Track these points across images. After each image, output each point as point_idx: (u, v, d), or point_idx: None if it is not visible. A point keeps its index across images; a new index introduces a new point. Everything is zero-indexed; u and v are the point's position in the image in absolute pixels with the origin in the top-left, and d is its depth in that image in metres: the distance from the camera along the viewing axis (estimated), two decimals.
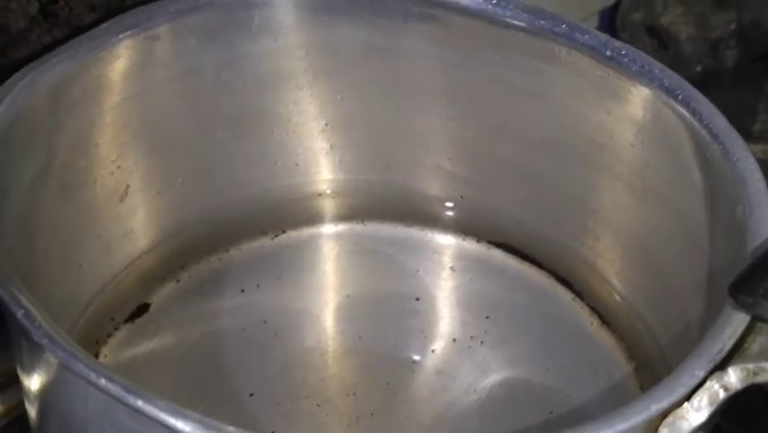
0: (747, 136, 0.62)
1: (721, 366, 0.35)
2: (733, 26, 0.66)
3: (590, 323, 0.50)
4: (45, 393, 0.38)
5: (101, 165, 0.47)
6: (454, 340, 0.50)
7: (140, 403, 0.33)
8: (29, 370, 0.38)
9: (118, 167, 0.48)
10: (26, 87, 0.42)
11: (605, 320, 0.50)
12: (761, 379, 0.35)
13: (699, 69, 0.66)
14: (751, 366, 0.35)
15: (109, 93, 0.46)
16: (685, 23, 0.67)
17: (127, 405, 0.33)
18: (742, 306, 0.35)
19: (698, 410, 0.35)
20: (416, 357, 0.49)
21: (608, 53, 0.46)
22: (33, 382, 0.38)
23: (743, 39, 0.66)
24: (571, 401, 0.47)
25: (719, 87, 0.65)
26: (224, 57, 0.49)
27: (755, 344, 0.36)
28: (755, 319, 0.35)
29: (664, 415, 0.35)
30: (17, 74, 0.43)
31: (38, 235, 0.43)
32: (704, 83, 0.66)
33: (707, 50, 0.67)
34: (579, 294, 0.51)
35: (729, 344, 0.35)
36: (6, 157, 0.41)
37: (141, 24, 0.46)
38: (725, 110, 0.60)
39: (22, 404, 0.42)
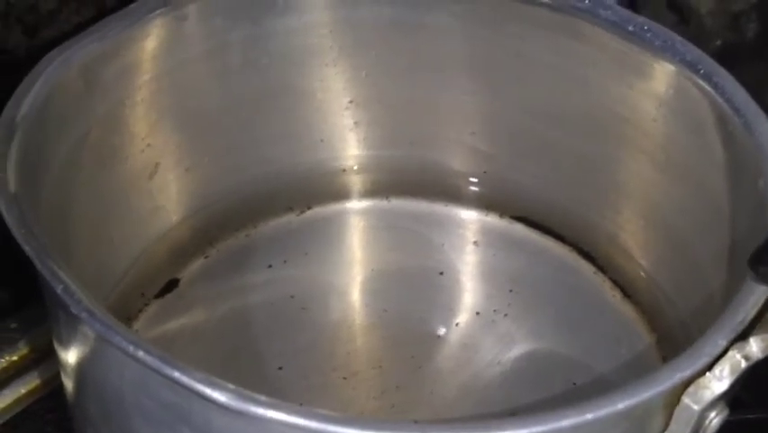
0: (766, 110, 0.63)
1: (743, 336, 0.36)
2: (754, 0, 0.66)
3: (612, 295, 0.50)
4: (82, 366, 0.39)
5: (132, 142, 0.48)
6: (478, 313, 0.50)
7: (176, 374, 0.34)
8: (66, 343, 0.39)
9: (148, 144, 0.48)
10: (60, 66, 0.43)
11: (627, 293, 0.50)
12: None
13: (719, 43, 0.66)
14: None
15: (139, 72, 0.47)
16: None
17: (164, 376, 0.34)
18: (762, 278, 0.36)
19: (720, 380, 0.35)
20: (441, 330, 0.50)
21: (631, 28, 0.46)
22: (71, 355, 0.39)
23: (763, 12, 0.66)
24: (593, 372, 0.47)
25: (740, 61, 0.65)
26: (250, 35, 0.49)
27: None
28: None
29: (687, 384, 0.35)
30: (51, 53, 0.43)
31: (72, 211, 0.44)
32: (725, 57, 0.66)
33: (727, 24, 0.67)
34: (601, 267, 0.51)
35: (751, 314, 0.36)
36: (42, 134, 0.42)
37: (170, 4, 0.47)
38: (745, 84, 0.60)
39: (57, 377, 0.43)
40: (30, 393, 0.49)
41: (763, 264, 0.36)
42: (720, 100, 0.43)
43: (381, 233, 0.53)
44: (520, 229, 0.53)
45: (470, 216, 0.53)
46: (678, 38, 0.45)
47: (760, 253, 0.36)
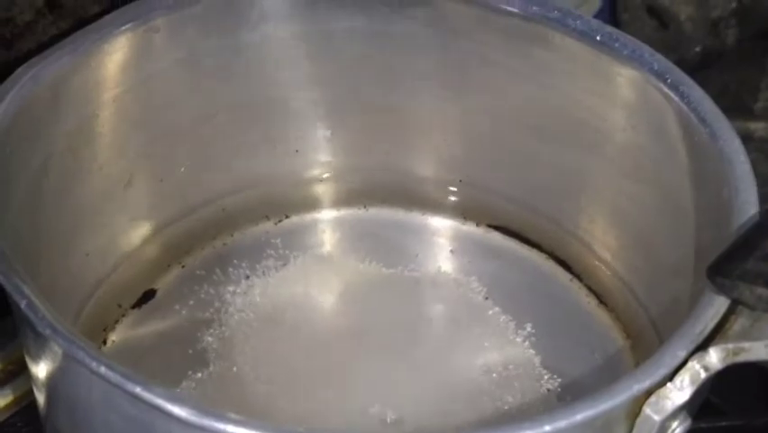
0: (749, 115, 0.63)
1: (703, 347, 0.36)
2: (733, 5, 0.66)
3: (588, 302, 0.51)
4: (52, 381, 0.39)
5: (104, 155, 0.48)
6: (454, 321, 0.50)
7: (138, 390, 0.34)
8: (35, 358, 0.39)
9: (121, 156, 0.49)
10: (30, 81, 0.43)
11: (601, 300, 0.50)
12: (741, 359, 0.36)
13: (699, 48, 0.67)
14: (731, 346, 0.36)
15: (111, 84, 0.47)
16: (685, 2, 0.67)
17: (126, 392, 0.34)
18: (719, 288, 0.36)
19: (680, 390, 0.36)
20: (417, 338, 0.50)
21: (599, 38, 0.46)
22: (40, 371, 0.39)
23: (743, 17, 0.67)
24: (567, 379, 0.48)
25: (720, 67, 0.65)
26: (222, 46, 0.50)
27: (737, 324, 0.36)
28: (734, 302, 0.36)
29: (648, 395, 0.36)
30: (20, 69, 0.44)
31: (43, 225, 0.44)
32: (705, 62, 0.66)
33: (707, 30, 0.67)
34: (577, 275, 0.51)
35: (711, 325, 0.36)
36: (12, 148, 0.42)
37: (142, 16, 0.47)
38: (726, 89, 0.60)
39: (32, 392, 0.43)
40: (6, 407, 0.49)
41: (721, 275, 0.36)
42: (687, 110, 0.44)
43: (358, 241, 0.53)
44: (496, 237, 0.53)
45: (446, 225, 0.54)
46: (646, 47, 0.46)
47: (718, 264, 0.36)
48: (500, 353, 0.49)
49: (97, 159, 0.48)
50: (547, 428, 0.34)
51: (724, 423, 0.47)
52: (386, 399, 0.47)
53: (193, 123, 0.50)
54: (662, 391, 0.36)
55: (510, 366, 0.48)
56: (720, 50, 0.66)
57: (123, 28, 0.47)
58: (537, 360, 0.49)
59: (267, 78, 0.51)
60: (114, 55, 0.47)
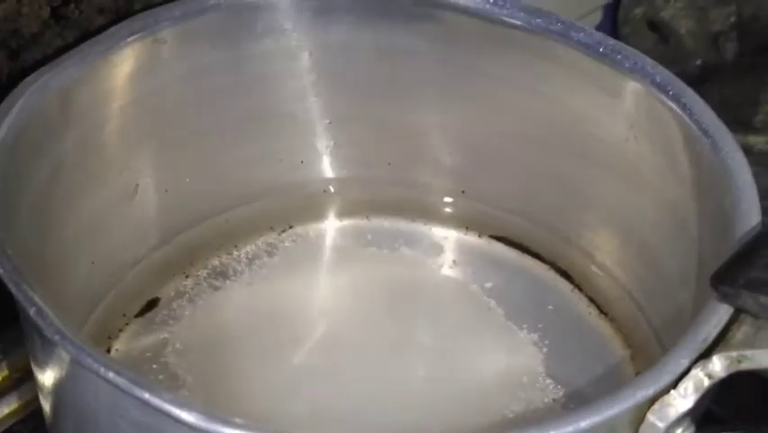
0: (749, 128, 0.63)
1: (706, 354, 0.36)
2: (733, 19, 0.67)
3: (589, 313, 0.51)
4: (58, 388, 0.39)
5: (111, 165, 0.48)
6: (456, 331, 0.51)
7: (146, 396, 0.34)
8: (42, 365, 0.40)
9: (127, 167, 0.49)
10: (37, 91, 0.44)
11: (603, 310, 0.51)
12: (744, 367, 0.36)
13: (699, 62, 0.67)
14: (734, 354, 0.36)
15: (117, 95, 0.48)
16: (686, 17, 0.67)
17: (135, 397, 0.34)
18: (723, 297, 0.36)
19: (684, 397, 0.36)
20: (419, 347, 0.50)
21: (602, 50, 0.47)
22: (47, 377, 0.40)
23: (743, 32, 0.67)
24: (569, 389, 0.48)
25: (720, 81, 0.66)
26: (229, 58, 0.50)
27: (740, 332, 0.37)
28: (737, 310, 0.36)
29: (652, 402, 0.36)
30: (28, 78, 0.44)
31: (50, 234, 0.45)
32: (705, 76, 0.67)
33: (707, 44, 0.67)
34: (578, 285, 0.52)
35: (714, 333, 0.36)
36: (20, 159, 0.43)
37: (149, 28, 0.47)
38: (726, 103, 0.61)
39: (38, 399, 0.44)
40: (11, 414, 0.49)
41: (725, 284, 0.36)
42: (689, 121, 0.44)
43: (361, 252, 0.54)
44: (498, 248, 0.53)
45: (448, 236, 0.54)
46: (648, 60, 0.46)
47: (722, 272, 0.37)
48: (503, 363, 0.49)
49: (103, 169, 0.48)
50: None
51: (725, 432, 0.47)
52: (388, 408, 0.47)
53: (198, 134, 0.51)
54: (665, 398, 0.36)
55: (513, 376, 0.49)
56: (720, 63, 0.67)
57: (130, 39, 0.47)
58: (540, 369, 0.49)
59: (272, 90, 0.52)
60: (121, 66, 0.47)
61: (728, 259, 0.37)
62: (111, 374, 0.34)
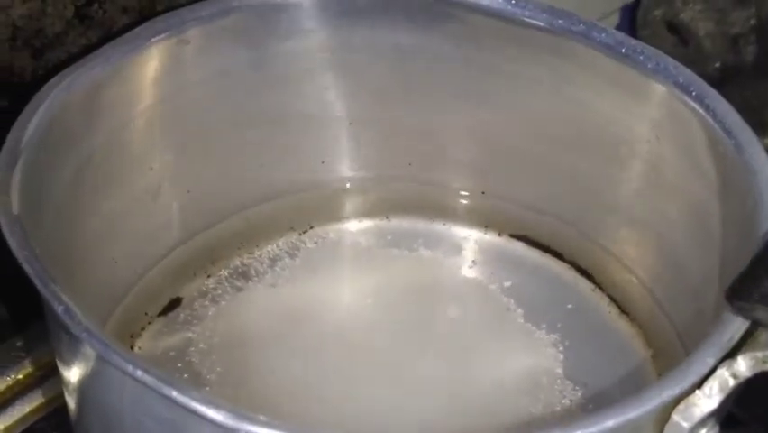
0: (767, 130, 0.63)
1: (731, 355, 0.36)
2: (752, 22, 0.67)
3: (609, 312, 0.51)
4: (83, 385, 0.40)
5: (134, 165, 0.49)
6: (476, 331, 0.51)
7: (174, 393, 0.34)
8: (68, 363, 0.40)
9: (150, 167, 0.49)
10: (63, 91, 0.44)
11: (624, 310, 0.51)
12: None
13: (718, 64, 0.67)
14: (760, 354, 0.36)
15: (142, 96, 0.48)
16: (705, 19, 0.67)
17: (162, 395, 0.34)
18: (738, 311, 0.36)
19: (709, 397, 0.36)
20: (440, 347, 0.50)
21: (624, 51, 0.47)
22: (72, 374, 0.40)
23: (762, 34, 0.67)
24: (589, 390, 0.48)
25: (739, 83, 0.66)
26: (252, 58, 0.50)
27: (765, 333, 0.37)
28: (754, 324, 0.36)
29: (677, 402, 0.36)
30: (54, 79, 0.44)
31: (75, 233, 0.45)
32: (724, 78, 0.67)
33: (726, 46, 0.67)
34: (598, 284, 0.52)
35: (739, 333, 0.37)
36: (45, 158, 0.43)
37: (173, 28, 0.48)
38: (744, 104, 0.61)
39: (62, 395, 0.44)
40: (34, 411, 0.50)
41: (740, 298, 0.36)
42: (712, 121, 0.44)
43: (381, 251, 0.54)
44: (519, 247, 0.54)
45: (468, 235, 0.54)
46: (671, 60, 0.46)
47: (736, 286, 0.36)
48: (523, 363, 0.49)
49: (127, 168, 0.48)
50: None
51: None
52: (407, 407, 0.48)
53: (221, 134, 0.51)
54: (690, 398, 0.36)
55: (532, 377, 0.49)
56: (739, 66, 0.67)
57: (155, 39, 0.47)
58: (560, 370, 0.49)
59: (294, 90, 0.52)
60: (145, 66, 0.47)
61: (742, 272, 0.37)
62: (139, 372, 0.35)
